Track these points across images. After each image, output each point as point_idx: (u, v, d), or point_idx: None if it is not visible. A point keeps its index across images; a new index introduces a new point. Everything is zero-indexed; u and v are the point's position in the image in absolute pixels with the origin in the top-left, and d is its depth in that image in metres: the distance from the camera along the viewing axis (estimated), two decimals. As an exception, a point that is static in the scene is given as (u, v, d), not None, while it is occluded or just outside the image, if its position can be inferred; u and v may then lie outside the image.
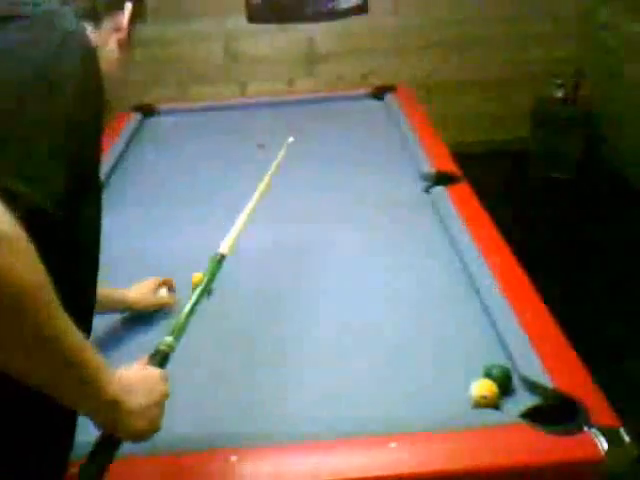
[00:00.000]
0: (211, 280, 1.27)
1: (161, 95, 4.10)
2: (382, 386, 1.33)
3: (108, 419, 0.92)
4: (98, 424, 0.94)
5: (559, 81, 4.08)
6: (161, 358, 1.07)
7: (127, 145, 2.68)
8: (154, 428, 0.99)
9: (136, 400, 0.94)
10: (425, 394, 1.30)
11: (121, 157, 2.57)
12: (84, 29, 0.95)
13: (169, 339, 1.10)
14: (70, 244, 0.92)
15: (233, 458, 1.13)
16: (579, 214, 3.68)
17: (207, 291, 1.63)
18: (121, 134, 2.74)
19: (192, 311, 1.18)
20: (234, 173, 2.41)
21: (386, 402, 1.28)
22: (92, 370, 0.86)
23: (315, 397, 1.31)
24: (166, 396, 1.02)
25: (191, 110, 3.10)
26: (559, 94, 4.10)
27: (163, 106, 3.12)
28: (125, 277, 1.79)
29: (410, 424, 1.19)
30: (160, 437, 1.20)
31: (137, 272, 1.81)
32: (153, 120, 3.01)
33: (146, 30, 4.36)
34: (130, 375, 0.97)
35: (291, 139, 1.69)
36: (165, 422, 1.26)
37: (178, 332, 1.13)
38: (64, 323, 0.80)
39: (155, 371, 1.03)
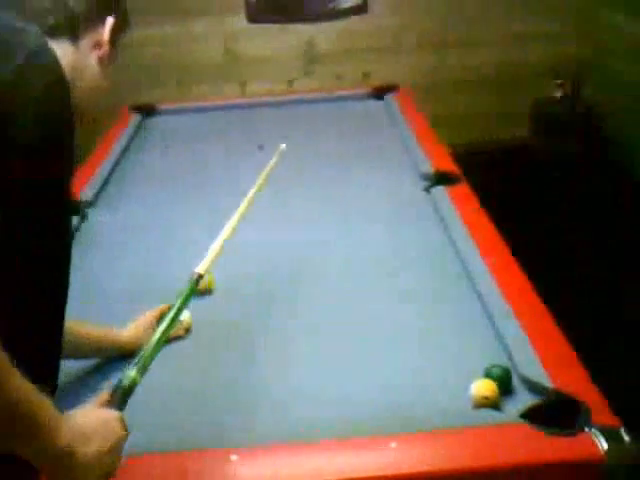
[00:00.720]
0: (184, 304, 1.17)
1: (161, 95, 4.10)
2: (382, 386, 1.33)
3: (61, 470, 0.86)
4: (49, 475, 0.88)
5: (559, 81, 4.08)
6: (122, 395, 1.00)
7: (127, 145, 2.68)
8: (108, 476, 0.93)
9: (91, 450, 0.88)
10: (425, 394, 1.30)
11: (121, 157, 2.57)
12: (49, 48, 0.89)
13: (132, 373, 1.02)
14: (30, 273, 0.87)
15: (233, 458, 1.13)
16: (579, 214, 3.68)
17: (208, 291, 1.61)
18: (121, 134, 2.75)
19: (162, 340, 1.10)
20: (233, 173, 2.41)
21: (386, 402, 1.28)
22: (40, 420, 0.81)
23: (315, 397, 1.31)
24: (123, 440, 0.96)
25: (191, 110, 3.10)
26: (559, 94, 4.10)
27: (163, 106, 3.12)
28: (123, 278, 1.79)
29: (410, 424, 1.19)
30: (160, 436, 1.21)
31: (136, 273, 1.82)
32: (153, 120, 3.01)
33: (146, 30, 4.37)
34: (84, 422, 0.90)
35: (283, 146, 1.63)
36: (166, 421, 1.27)
37: (144, 363, 1.05)
38: (5, 372, 0.76)
39: (111, 414, 0.96)
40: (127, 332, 1.43)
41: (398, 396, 1.30)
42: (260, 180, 1.50)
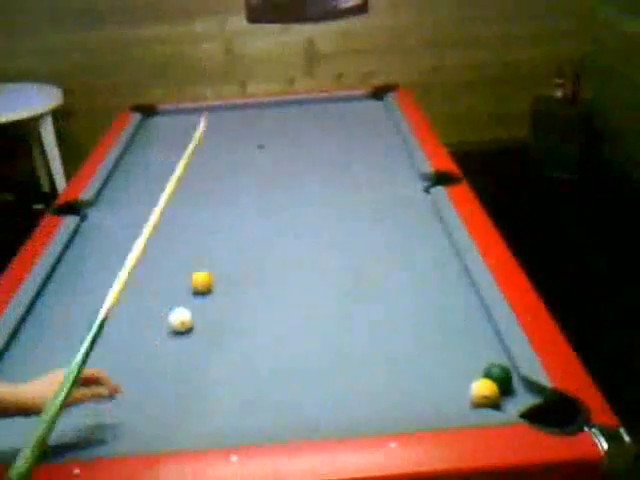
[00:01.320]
0: (86, 357, 1.08)
1: (161, 95, 4.10)
2: (382, 386, 1.33)
3: None
4: None
5: (559, 81, 4.08)
6: None
7: (127, 145, 2.68)
8: None
9: None
10: (425, 394, 1.30)
11: (121, 157, 2.57)
12: None
13: (20, 464, 0.92)
14: None
15: (233, 458, 1.13)
16: (579, 214, 3.69)
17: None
18: (121, 134, 2.75)
19: (60, 410, 1.02)
20: (233, 173, 2.41)
21: (386, 402, 1.28)
22: None
23: (315, 397, 1.31)
24: None
25: (191, 110, 3.10)
26: (559, 94, 4.10)
27: (163, 106, 3.12)
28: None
29: (410, 424, 1.19)
30: (160, 437, 1.21)
31: (136, 269, 1.81)
32: (153, 120, 3.01)
33: (147, 30, 4.37)
34: None
35: (202, 124, 1.48)
36: (165, 422, 1.27)
37: (38, 442, 0.96)
38: None
39: None
40: (32, 389, 1.16)
41: (398, 396, 1.30)
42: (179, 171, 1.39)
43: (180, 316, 1.53)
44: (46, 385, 1.14)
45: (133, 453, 1.16)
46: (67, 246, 1.94)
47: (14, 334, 1.54)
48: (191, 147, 1.44)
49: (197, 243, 1.95)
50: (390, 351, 1.44)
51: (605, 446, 1.09)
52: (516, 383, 1.28)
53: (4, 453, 1.08)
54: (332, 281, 1.72)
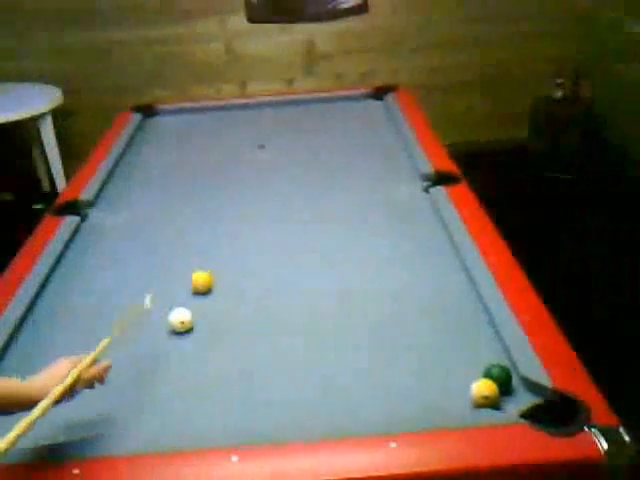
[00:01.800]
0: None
1: (161, 95, 4.11)
2: (382, 386, 1.33)
3: None
4: None
5: (559, 81, 4.09)
6: None
7: (127, 145, 2.68)
8: None
9: None
10: (425, 394, 1.30)
11: (121, 157, 2.57)
12: None
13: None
14: None
15: (233, 458, 1.13)
16: (579, 214, 3.69)
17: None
18: (121, 134, 2.75)
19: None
20: (233, 173, 2.41)
21: (386, 402, 1.28)
22: None
23: (315, 397, 1.31)
24: None
25: (191, 110, 3.10)
26: (559, 94, 4.11)
27: (163, 106, 3.12)
28: (121, 280, 1.79)
29: (410, 424, 1.19)
30: (161, 436, 1.21)
31: (133, 274, 1.82)
32: (153, 120, 3.01)
33: (146, 30, 4.37)
34: None
35: (148, 300, 1.43)
36: (166, 422, 1.27)
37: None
38: None
39: None
40: (38, 383, 1.17)
41: (398, 396, 1.30)
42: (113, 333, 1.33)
43: (180, 316, 1.52)
44: (53, 377, 1.16)
45: (133, 453, 1.16)
46: (67, 246, 1.94)
47: (14, 334, 1.54)
48: (124, 321, 1.37)
49: (197, 243, 1.95)
50: (390, 351, 1.44)
51: (605, 446, 1.09)
52: (516, 383, 1.28)
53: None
54: (331, 281, 1.72)
